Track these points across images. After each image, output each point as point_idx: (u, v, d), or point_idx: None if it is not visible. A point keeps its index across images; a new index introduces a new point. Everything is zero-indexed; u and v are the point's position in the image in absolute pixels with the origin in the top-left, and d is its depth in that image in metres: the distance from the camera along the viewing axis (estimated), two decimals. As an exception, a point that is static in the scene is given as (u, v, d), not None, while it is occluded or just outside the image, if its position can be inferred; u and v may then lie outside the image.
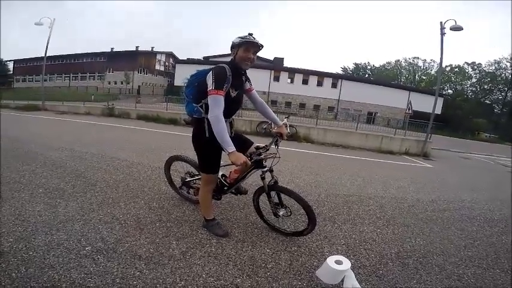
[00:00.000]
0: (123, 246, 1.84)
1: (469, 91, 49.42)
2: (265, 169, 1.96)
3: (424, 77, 54.47)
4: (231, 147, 1.60)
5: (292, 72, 34.28)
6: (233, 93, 1.79)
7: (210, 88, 1.64)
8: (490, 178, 6.68)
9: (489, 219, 3.31)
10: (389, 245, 2.30)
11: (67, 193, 2.70)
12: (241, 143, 2.02)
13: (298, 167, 5.03)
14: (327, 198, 3.35)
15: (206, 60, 36.61)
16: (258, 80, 31.69)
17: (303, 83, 33.91)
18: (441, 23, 9.41)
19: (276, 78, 33.61)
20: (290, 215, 2.19)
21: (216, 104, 1.63)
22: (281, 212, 2.11)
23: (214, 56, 38.15)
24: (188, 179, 2.58)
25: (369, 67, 65.29)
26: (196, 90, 1.81)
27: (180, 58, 41.53)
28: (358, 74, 60.36)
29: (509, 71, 44.74)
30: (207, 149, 1.88)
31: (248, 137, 2.20)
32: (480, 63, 47.95)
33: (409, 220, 2.94)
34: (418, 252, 2.23)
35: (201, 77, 1.76)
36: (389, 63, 61.76)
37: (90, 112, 13.76)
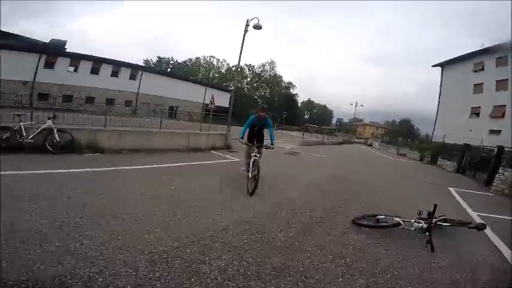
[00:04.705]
0: None
1: (245, 88, 64.38)
2: None
3: (216, 75, 63.83)
4: None
5: (76, 58, 26.36)
6: None
7: None
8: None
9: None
10: None
11: None
12: None
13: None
14: None
15: None
16: (15, 65, 20.94)
17: (92, 73, 27.24)
18: (247, 20, 10.27)
19: (50, 65, 24.48)
20: None
21: None
22: None
23: None
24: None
25: (172, 62, 66.04)
26: None
27: None
28: (161, 68, 59.35)
29: (268, 73, 63.31)
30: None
31: None
32: (254, 65, 63.69)
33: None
34: None
35: None
36: (190, 59, 66.05)
37: None
